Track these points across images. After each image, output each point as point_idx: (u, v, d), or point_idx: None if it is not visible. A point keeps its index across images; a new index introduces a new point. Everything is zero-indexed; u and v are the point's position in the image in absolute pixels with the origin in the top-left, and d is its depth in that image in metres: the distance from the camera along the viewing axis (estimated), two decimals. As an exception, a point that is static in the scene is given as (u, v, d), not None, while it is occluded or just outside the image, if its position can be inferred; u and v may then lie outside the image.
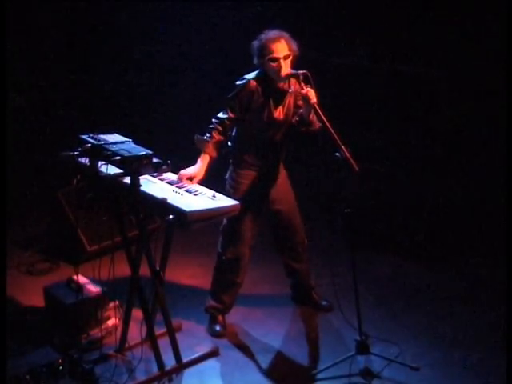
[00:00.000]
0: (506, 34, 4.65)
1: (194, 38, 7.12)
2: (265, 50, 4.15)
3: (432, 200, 5.65)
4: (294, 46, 4.18)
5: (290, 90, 4.30)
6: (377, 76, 5.78)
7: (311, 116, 4.19)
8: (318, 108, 4.05)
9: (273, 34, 4.17)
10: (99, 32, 7.12)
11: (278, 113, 4.30)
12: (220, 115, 4.30)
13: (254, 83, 4.26)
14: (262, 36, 4.20)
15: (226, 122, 4.29)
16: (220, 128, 4.28)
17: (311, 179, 6.11)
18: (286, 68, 4.16)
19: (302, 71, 4.11)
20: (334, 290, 4.48)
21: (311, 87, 4.06)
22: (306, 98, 4.07)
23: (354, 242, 4.17)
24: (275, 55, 4.13)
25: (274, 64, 4.15)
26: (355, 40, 6.23)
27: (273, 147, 4.40)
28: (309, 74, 4.08)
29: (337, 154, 3.96)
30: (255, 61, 4.23)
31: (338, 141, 3.97)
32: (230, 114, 4.28)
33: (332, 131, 3.98)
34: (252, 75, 4.30)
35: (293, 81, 4.29)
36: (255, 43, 4.21)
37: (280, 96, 4.31)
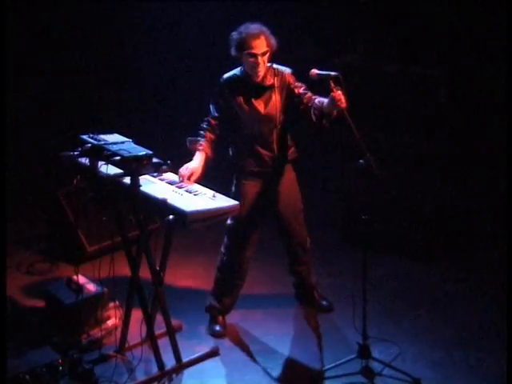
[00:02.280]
0: (506, 33, 4.66)
1: (196, 37, 7.11)
2: (244, 45, 4.15)
3: (432, 200, 5.65)
4: (273, 42, 4.17)
5: (276, 85, 4.27)
6: (377, 76, 5.77)
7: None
8: (346, 113, 3.92)
9: (253, 29, 4.16)
10: (99, 31, 7.12)
11: (260, 106, 4.29)
12: (206, 118, 4.38)
13: (229, 81, 4.32)
14: (242, 29, 4.18)
15: (212, 121, 4.36)
16: (209, 127, 4.35)
17: (312, 177, 6.11)
18: (263, 64, 4.18)
19: (333, 73, 3.95)
20: (346, 290, 4.45)
21: (341, 90, 3.92)
22: (335, 101, 3.92)
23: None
24: (253, 51, 4.13)
25: (252, 60, 4.16)
26: (355, 40, 6.22)
27: (264, 143, 4.36)
28: (340, 77, 3.92)
29: (361, 161, 3.91)
30: (232, 52, 4.23)
31: (365, 148, 3.90)
32: (215, 114, 4.37)
33: (359, 138, 3.88)
34: (229, 73, 4.34)
35: (278, 77, 4.28)
36: (234, 35, 4.20)
37: (261, 90, 4.29)
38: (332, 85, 3.94)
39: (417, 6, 5.92)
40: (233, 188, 4.47)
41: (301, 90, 4.27)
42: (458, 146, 5.82)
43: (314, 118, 4.15)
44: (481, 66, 5.72)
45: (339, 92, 3.92)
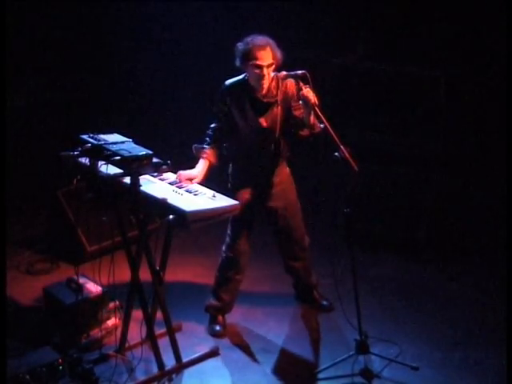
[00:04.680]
0: (506, 33, 4.66)
1: (199, 37, 7.11)
2: (249, 56, 4.12)
3: (432, 199, 5.65)
4: (278, 55, 4.16)
5: (279, 100, 4.24)
6: (377, 76, 5.78)
7: (312, 118, 4.13)
8: (317, 108, 4.03)
9: (259, 40, 4.14)
10: (100, 30, 7.12)
11: (261, 120, 4.28)
12: (211, 125, 4.39)
13: (230, 88, 4.31)
14: (249, 40, 4.16)
15: (216, 128, 4.37)
16: (214, 135, 4.36)
17: (311, 178, 6.11)
18: (268, 76, 4.15)
19: (300, 71, 4.07)
20: (335, 290, 4.48)
21: (310, 88, 4.02)
22: (305, 99, 4.02)
23: (354, 242, 4.17)
24: (259, 62, 4.11)
25: (257, 71, 4.14)
26: (354, 40, 6.23)
27: (263, 153, 4.37)
28: (307, 74, 4.03)
29: (336, 153, 3.96)
30: (237, 63, 4.21)
31: (338, 141, 3.96)
32: (218, 120, 4.37)
33: (331, 131, 3.97)
34: (231, 80, 4.33)
35: (281, 90, 4.25)
36: (240, 46, 4.18)
37: (263, 103, 4.27)
38: (300, 84, 4.05)
39: (416, 6, 5.92)
40: (228, 186, 4.48)
41: (297, 113, 4.23)
42: (458, 146, 5.82)
43: (292, 127, 4.22)
44: (481, 66, 5.72)
45: (307, 89, 4.00)
